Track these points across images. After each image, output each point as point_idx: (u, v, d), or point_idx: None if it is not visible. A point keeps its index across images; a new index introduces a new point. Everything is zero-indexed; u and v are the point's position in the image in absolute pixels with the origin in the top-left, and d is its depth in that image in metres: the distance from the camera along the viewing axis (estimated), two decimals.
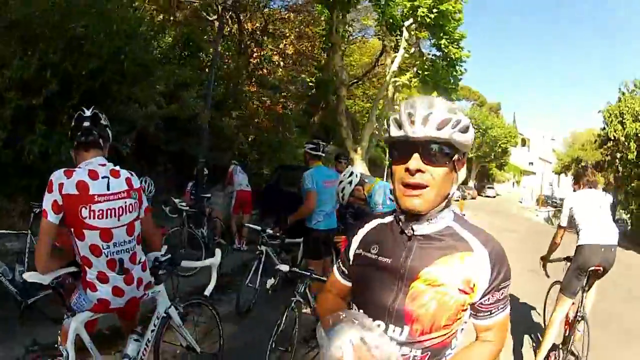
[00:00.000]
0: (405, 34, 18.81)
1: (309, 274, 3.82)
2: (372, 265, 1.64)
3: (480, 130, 52.13)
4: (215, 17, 12.45)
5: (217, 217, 9.25)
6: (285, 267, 3.73)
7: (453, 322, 1.55)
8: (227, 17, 12.65)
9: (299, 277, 3.93)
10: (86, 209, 2.63)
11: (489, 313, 1.58)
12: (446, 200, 1.54)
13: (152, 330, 3.17)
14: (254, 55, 15.06)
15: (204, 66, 11.23)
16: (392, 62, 19.67)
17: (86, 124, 2.80)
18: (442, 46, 19.13)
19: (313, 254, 5.77)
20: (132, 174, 2.93)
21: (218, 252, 3.59)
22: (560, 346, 4.59)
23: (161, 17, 11.11)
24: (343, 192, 5.06)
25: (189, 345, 3.52)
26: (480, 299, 1.54)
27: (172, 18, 11.67)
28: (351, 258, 1.76)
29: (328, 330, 1.53)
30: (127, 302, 2.89)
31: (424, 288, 1.51)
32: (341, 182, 5.01)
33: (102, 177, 2.72)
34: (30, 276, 2.62)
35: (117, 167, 2.86)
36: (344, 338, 1.44)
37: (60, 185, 2.59)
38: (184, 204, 7.80)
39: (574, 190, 4.91)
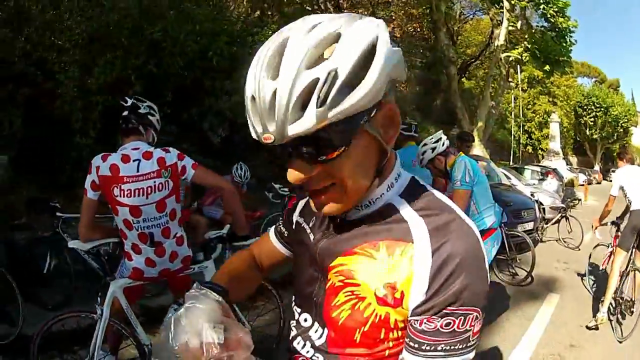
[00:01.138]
0: (506, 3, 17.46)
1: None
2: (303, 240, 1.14)
3: (602, 109, 46.72)
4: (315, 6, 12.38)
5: None
6: None
7: (377, 342, 0.96)
8: (329, 5, 12.52)
9: None
10: (117, 188, 2.92)
11: (416, 348, 0.89)
12: (380, 173, 0.96)
13: None
14: None
15: None
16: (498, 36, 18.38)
17: (125, 113, 3.11)
18: (549, 16, 17.53)
19: None
20: (167, 152, 3.04)
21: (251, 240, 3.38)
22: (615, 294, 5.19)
23: (258, 13, 11.25)
24: (423, 156, 4.55)
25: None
26: (411, 318, 0.91)
27: (270, 14, 11.75)
28: (293, 222, 1.25)
29: (176, 306, 0.97)
30: (160, 273, 3.10)
31: (338, 284, 0.99)
32: (425, 144, 4.49)
33: (133, 160, 2.96)
34: (73, 243, 3.03)
35: (151, 149, 3.03)
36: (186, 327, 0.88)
37: (97, 168, 2.93)
38: (286, 189, 7.73)
39: (619, 167, 5.62)
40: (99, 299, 3.04)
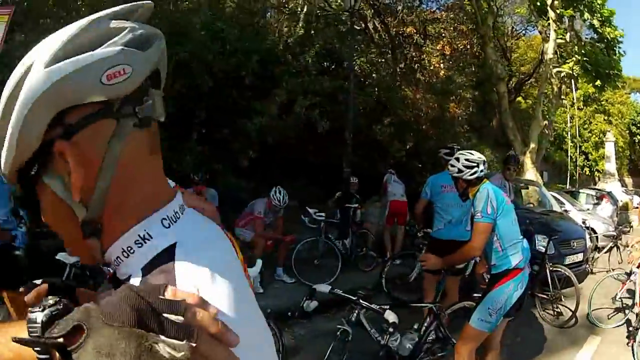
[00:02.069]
0: (551, 13, 16.64)
1: (356, 298, 3.08)
2: None
3: None
4: (362, 25, 12.22)
5: (367, 228, 8.75)
6: (325, 288, 3.07)
7: None
8: (377, 23, 12.34)
9: (346, 302, 3.22)
10: None
11: None
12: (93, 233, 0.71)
13: None
14: (411, 59, 14.37)
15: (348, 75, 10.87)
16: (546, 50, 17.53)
17: None
18: (596, 26, 16.76)
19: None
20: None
21: (258, 262, 3.61)
22: None
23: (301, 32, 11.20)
24: (449, 168, 4.10)
25: None
26: None
27: (314, 33, 11.68)
28: None
29: None
30: None
31: None
32: (461, 171, 3.90)
33: None
34: (60, 255, 3.49)
35: None
36: None
37: None
38: (322, 214, 7.54)
39: None
40: None
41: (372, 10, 12.15)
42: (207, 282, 0.65)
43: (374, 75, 12.13)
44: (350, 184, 8.69)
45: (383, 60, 13.84)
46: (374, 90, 11.38)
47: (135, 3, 0.75)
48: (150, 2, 0.76)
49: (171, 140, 7.19)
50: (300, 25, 11.94)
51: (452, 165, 3.85)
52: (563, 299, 6.33)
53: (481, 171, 3.76)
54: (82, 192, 0.68)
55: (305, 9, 12.08)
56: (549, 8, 16.59)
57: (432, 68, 15.60)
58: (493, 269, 3.69)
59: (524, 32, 24.65)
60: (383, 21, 13.35)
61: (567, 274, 6.27)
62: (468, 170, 3.76)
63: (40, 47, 0.66)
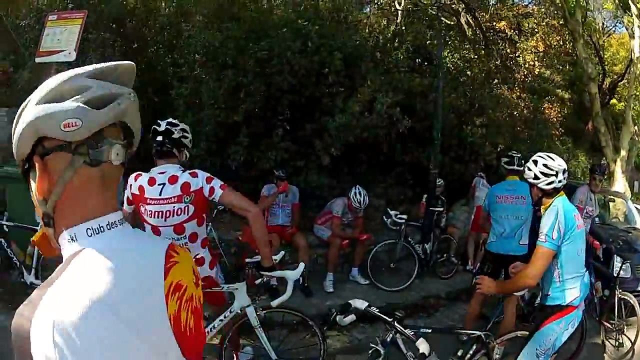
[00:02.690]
0: (633, 8, 14.98)
1: (391, 320, 2.92)
2: None
3: None
4: (455, 20, 11.68)
5: (451, 233, 8.40)
6: (361, 304, 2.88)
7: None
8: (469, 18, 11.76)
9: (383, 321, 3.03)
10: (142, 207, 3.25)
11: None
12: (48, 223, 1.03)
13: (221, 320, 3.52)
14: (505, 55, 13.54)
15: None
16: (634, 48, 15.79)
17: (159, 138, 3.35)
18: None
19: None
20: (194, 177, 3.24)
21: (301, 265, 3.54)
22: None
23: (391, 26, 10.90)
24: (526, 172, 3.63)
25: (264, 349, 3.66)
26: None
27: (400, 27, 11.33)
28: None
29: None
30: None
31: None
32: (537, 178, 3.41)
33: (158, 184, 3.23)
34: None
35: (179, 173, 3.25)
36: None
37: (130, 186, 3.30)
38: (403, 216, 7.31)
39: None
40: None
41: (463, 5, 11.59)
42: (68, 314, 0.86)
43: (468, 72, 11.59)
44: (436, 186, 8.38)
45: (476, 56, 13.21)
46: (467, 88, 10.88)
47: (117, 62, 1.06)
48: (130, 62, 1.08)
49: (255, 137, 7.31)
50: (395, 20, 11.70)
51: (529, 169, 3.39)
52: (626, 329, 5.53)
53: (559, 181, 3.28)
54: (42, 194, 1.00)
55: (402, 4, 11.74)
56: (630, 2, 15.04)
57: (526, 66, 14.65)
58: (547, 300, 3.29)
59: (614, 29, 22.82)
60: (475, 16, 12.68)
61: (631, 302, 5.49)
62: (545, 178, 3.30)
63: (40, 87, 0.98)
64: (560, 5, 15.51)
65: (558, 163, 3.31)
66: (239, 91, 7.19)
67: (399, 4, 11.74)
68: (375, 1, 12.62)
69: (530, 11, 15.96)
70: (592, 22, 20.39)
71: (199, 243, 3.36)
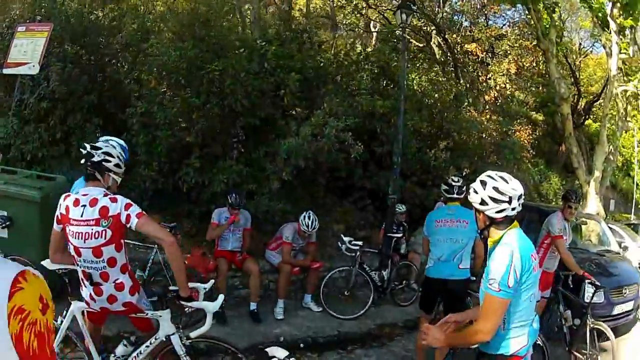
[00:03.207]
0: (612, 24, 14.92)
1: None
2: None
3: None
4: (424, 43, 11.69)
5: (412, 260, 8.24)
6: (282, 353, 2.59)
7: None
8: (440, 40, 11.79)
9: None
10: (67, 227, 3.29)
11: None
12: None
13: (147, 346, 3.49)
14: (476, 78, 13.57)
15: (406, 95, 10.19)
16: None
17: (82, 161, 3.42)
18: None
19: (421, 304, 5.17)
20: (113, 202, 3.26)
21: (220, 297, 3.47)
22: None
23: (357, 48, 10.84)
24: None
25: None
26: None
27: (365, 49, 11.28)
28: None
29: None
30: (101, 309, 3.42)
31: None
32: (484, 204, 2.73)
33: (81, 205, 3.26)
34: (45, 262, 3.53)
35: (99, 196, 3.28)
36: None
37: (60, 206, 3.35)
38: (358, 243, 7.16)
39: None
40: (64, 311, 3.52)
41: (434, 26, 11.61)
42: None
43: (435, 95, 11.50)
44: (396, 212, 8.24)
45: (445, 79, 13.16)
46: (434, 111, 10.79)
47: None
48: None
49: (209, 158, 7.14)
50: (363, 42, 11.67)
51: (475, 192, 2.70)
52: (599, 357, 5.34)
53: (513, 209, 2.62)
54: None
55: (377, 27, 11.73)
56: (609, 18, 15.04)
57: (497, 88, 14.74)
58: (486, 347, 2.75)
59: (591, 49, 23.22)
60: (445, 38, 12.68)
61: (605, 332, 5.32)
62: (494, 204, 2.62)
63: None
64: (534, 25, 15.46)
65: (512, 186, 2.63)
66: (192, 112, 7.09)
67: (374, 27, 11.74)
68: (345, 23, 12.59)
69: (504, 33, 16.07)
70: (569, 42, 20.54)
71: (118, 268, 3.34)
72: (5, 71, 7.45)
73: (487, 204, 2.64)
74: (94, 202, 3.24)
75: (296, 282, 7.16)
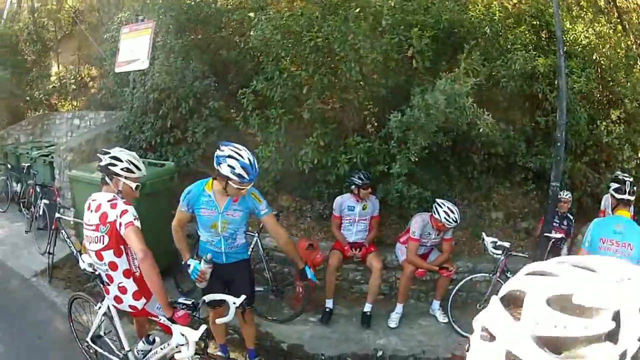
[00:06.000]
0: None
1: None
2: None
3: None
4: None
5: None
6: None
7: None
8: None
9: None
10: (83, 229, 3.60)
11: None
12: None
13: (162, 349, 3.52)
14: None
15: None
16: None
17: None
18: None
19: None
20: (113, 208, 3.31)
21: (242, 297, 3.51)
22: None
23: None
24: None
25: None
26: None
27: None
28: None
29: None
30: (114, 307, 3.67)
31: None
32: None
33: (90, 210, 3.47)
34: (80, 262, 3.84)
35: (104, 202, 3.38)
36: None
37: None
38: (505, 244, 5.57)
39: None
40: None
41: None
42: None
43: (603, 50, 9.06)
44: (558, 203, 6.54)
45: (613, 31, 10.39)
46: (604, 70, 8.43)
47: None
48: None
49: (329, 135, 6.33)
50: None
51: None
52: None
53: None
54: None
55: None
56: None
57: None
58: None
59: None
60: None
61: None
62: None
63: None
64: None
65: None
66: (301, 86, 6.28)
67: None
68: None
69: None
70: None
71: (121, 272, 3.47)
72: (118, 70, 8.36)
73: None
74: (98, 208, 3.41)
75: (423, 282, 6.08)
